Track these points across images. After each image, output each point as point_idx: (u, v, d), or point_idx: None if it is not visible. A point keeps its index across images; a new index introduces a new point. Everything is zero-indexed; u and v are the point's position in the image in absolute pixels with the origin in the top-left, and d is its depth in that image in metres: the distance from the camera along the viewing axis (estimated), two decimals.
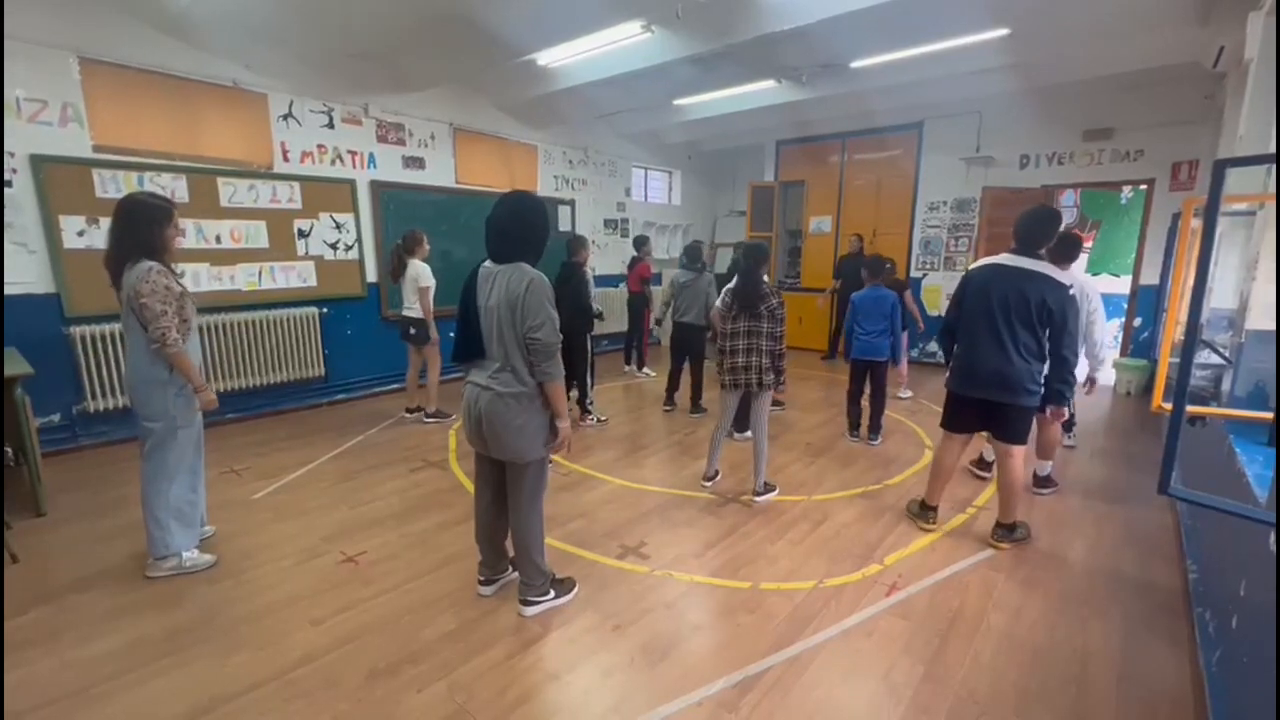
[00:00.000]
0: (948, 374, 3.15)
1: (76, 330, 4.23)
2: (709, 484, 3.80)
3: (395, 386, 6.03)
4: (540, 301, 2.18)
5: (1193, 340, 1.53)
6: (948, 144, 7.58)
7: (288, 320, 5.31)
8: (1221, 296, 3.53)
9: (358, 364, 5.92)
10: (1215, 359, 2.94)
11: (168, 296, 2.52)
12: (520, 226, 2.25)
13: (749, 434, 3.85)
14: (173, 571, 2.71)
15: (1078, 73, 5.61)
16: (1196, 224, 3.07)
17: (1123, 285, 8.09)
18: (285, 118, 5.20)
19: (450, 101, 6.31)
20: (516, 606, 2.49)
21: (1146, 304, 6.65)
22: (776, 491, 3.68)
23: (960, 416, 3.10)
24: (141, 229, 2.53)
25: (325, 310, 5.57)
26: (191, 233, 4.70)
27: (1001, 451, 3.04)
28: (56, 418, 4.25)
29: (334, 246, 5.61)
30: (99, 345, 4.31)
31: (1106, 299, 9.00)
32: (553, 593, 2.52)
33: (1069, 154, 6.95)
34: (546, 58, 5.32)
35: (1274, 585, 1.50)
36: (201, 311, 4.16)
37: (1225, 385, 2.88)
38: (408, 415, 5.25)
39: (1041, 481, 3.79)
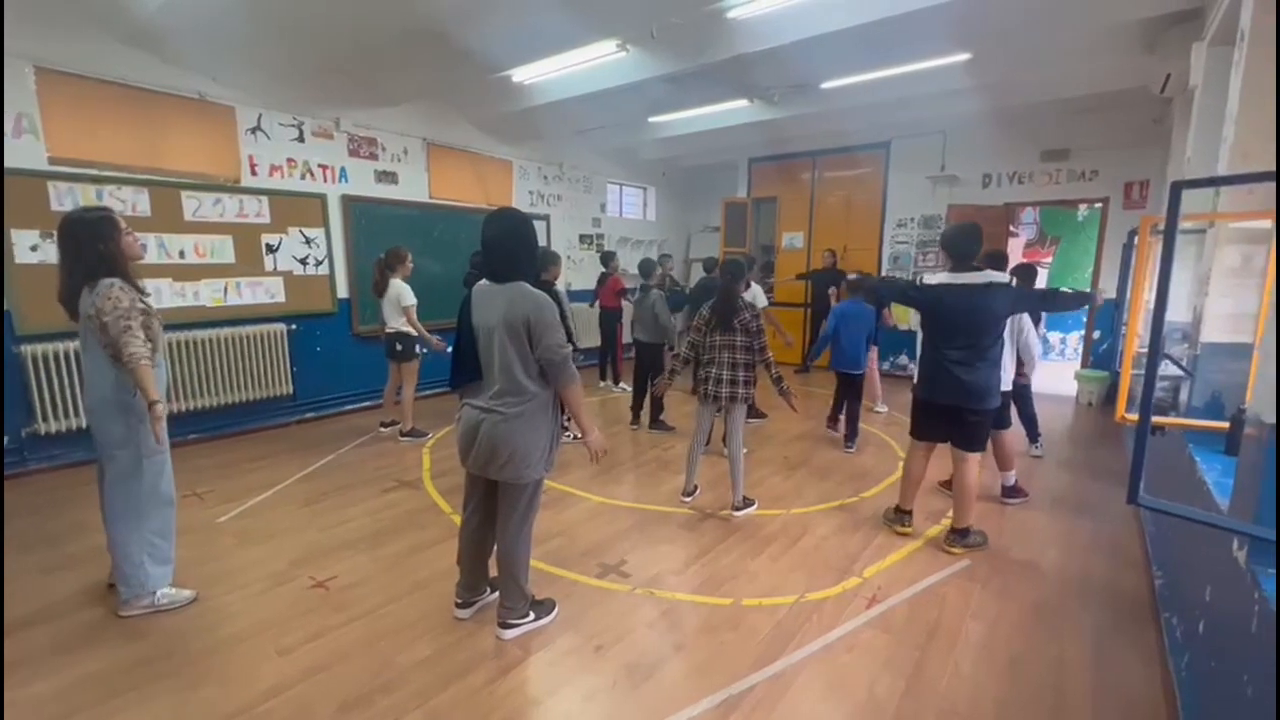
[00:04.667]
0: (914, 381, 3.27)
1: (28, 349, 4.05)
2: (688, 499, 3.79)
3: (367, 404, 5.91)
4: (552, 323, 2.21)
5: (1156, 354, 1.59)
6: (914, 163, 7.81)
7: (254, 337, 5.16)
8: (1174, 310, 3.68)
9: (327, 381, 5.77)
10: (1174, 370, 3.05)
11: (130, 312, 2.34)
12: (518, 244, 2.26)
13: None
14: (147, 610, 2.53)
15: (1035, 95, 5.87)
16: (1153, 239, 3.21)
17: None
18: (254, 131, 5.10)
19: (424, 116, 6.27)
20: (495, 629, 2.43)
21: (1105, 317, 6.89)
22: (755, 506, 3.69)
23: (927, 424, 3.23)
24: (92, 248, 2.33)
25: (294, 326, 5.44)
26: (153, 247, 4.56)
27: (959, 458, 3.15)
28: (4, 441, 4.04)
29: (304, 261, 5.50)
30: (51, 365, 4.13)
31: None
32: (532, 614, 2.47)
33: (1029, 174, 7.22)
34: (521, 74, 5.33)
35: (1245, 593, 1.55)
36: (164, 329, 4.01)
37: (1183, 396, 2.99)
38: (383, 429, 5.16)
39: (1009, 492, 3.87)
